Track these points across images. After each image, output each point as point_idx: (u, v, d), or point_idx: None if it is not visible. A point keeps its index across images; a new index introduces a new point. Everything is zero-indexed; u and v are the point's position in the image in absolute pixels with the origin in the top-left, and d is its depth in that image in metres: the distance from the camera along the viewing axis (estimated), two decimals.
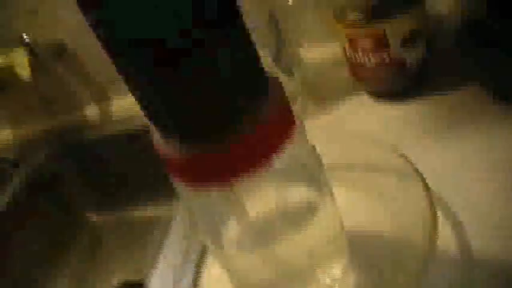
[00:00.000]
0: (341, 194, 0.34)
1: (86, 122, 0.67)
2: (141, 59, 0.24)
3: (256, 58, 0.27)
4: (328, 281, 0.34)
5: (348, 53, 0.50)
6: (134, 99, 0.27)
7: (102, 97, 0.65)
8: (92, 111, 0.67)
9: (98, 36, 0.25)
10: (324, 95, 0.54)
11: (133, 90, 0.26)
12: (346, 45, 0.49)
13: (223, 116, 0.26)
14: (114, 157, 0.65)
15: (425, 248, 0.32)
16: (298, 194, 0.32)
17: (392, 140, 0.45)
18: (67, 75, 0.64)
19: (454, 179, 0.40)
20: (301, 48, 0.56)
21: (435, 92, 0.49)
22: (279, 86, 0.29)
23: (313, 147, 0.32)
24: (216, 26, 0.24)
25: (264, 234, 0.33)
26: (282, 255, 0.33)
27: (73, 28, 0.59)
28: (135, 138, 0.63)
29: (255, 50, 0.27)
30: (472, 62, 0.49)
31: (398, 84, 0.50)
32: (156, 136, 0.29)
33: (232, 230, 0.32)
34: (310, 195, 0.32)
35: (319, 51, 0.58)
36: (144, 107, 0.27)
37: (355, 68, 0.51)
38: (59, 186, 0.67)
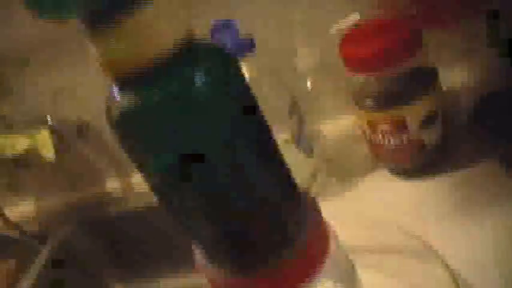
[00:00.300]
0: (365, 278, 0.35)
1: (108, 196, 0.68)
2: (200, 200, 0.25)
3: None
4: None
5: (367, 134, 0.51)
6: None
7: (123, 172, 0.67)
8: (114, 185, 0.68)
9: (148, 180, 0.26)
10: (344, 172, 0.55)
11: (185, 223, 0.28)
12: (365, 127, 0.51)
13: (268, 244, 0.28)
14: (137, 230, 0.66)
15: None
16: None
17: (414, 218, 0.46)
18: (89, 151, 0.66)
19: (474, 258, 0.41)
20: (321, 122, 0.58)
21: (454, 169, 0.50)
22: (316, 206, 0.30)
23: (347, 255, 0.33)
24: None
25: None
26: None
27: (95, 107, 0.61)
28: (157, 211, 0.64)
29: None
30: (489, 136, 0.50)
31: (417, 163, 0.51)
32: (199, 257, 0.30)
33: None
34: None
35: (338, 124, 0.59)
36: (192, 235, 0.29)
37: (375, 148, 0.52)
38: (83, 261, 0.68)
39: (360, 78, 0.49)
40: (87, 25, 0.23)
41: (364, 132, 0.52)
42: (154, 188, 0.27)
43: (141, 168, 0.26)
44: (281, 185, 0.28)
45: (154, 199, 0.26)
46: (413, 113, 0.47)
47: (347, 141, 0.58)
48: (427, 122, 0.48)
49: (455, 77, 0.54)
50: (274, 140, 0.28)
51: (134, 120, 0.24)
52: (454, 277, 0.38)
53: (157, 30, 0.23)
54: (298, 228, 0.29)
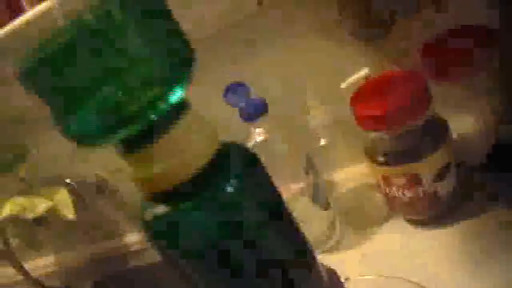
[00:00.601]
0: None
1: (127, 249, 0.69)
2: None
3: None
4: None
5: (381, 186, 0.52)
6: None
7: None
8: (132, 239, 0.69)
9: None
10: (360, 222, 0.56)
11: None
12: (380, 180, 0.52)
13: None
14: (156, 283, 0.67)
15: None
16: None
17: (430, 268, 0.47)
18: (108, 207, 0.67)
19: None
20: (335, 173, 0.59)
21: (468, 217, 0.51)
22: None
23: None
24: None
25: None
26: None
27: (111, 163, 0.63)
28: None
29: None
30: (501, 185, 0.51)
31: (432, 213, 0.52)
32: None
33: None
34: None
35: (351, 173, 0.61)
36: None
37: (390, 199, 0.53)
38: None
39: (372, 133, 0.50)
40: (121, 150, 0.25)
41: (378, 184, 0.53)
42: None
43: (179, 270, 0.27)
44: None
45: None
46: (427, 168, 0.48)
47: (361, 190, 0.59)
48: (441, 174, 0.49)
49: (463, 124, 0.55)
50: (302, 236, 0.29)
51: (172, 233, 0.25)
52: None
53: (188, 147, 0.25)
54: None
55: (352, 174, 0.60)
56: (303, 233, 0.30)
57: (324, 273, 0.31)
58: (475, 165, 0.54)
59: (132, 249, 0.69)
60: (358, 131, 0.51)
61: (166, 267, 0.62)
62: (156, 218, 0.25)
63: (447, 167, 0.49)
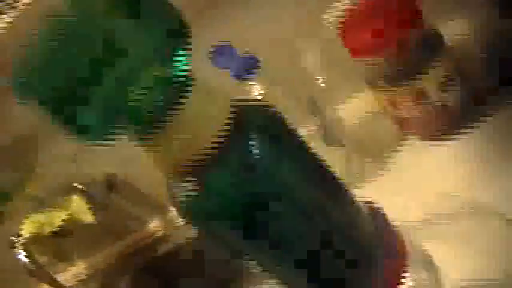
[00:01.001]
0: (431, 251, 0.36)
1: (152, 237, 0.69)
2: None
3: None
4: None
5: (389, 111, 0.52)
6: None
7: (160, 210, 0.68)
8: (155, 226, 0.69)
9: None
10: (375, 151, 0.56)
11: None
12: (386, 104, 0.51)
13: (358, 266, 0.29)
14: (188, 263, 0.67)
15: None
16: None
17: (457, 179, 0.47)
18: (123, 200, 0.66)
19: None
20: (339, 109, 0.58)
21: (483, 121, 0.50)
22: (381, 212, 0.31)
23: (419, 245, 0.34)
24: None
25: None
26: None
27: (116, 156, 0.62)
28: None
29: None
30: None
31: (446, 125, 0.51)
32: None
33: None
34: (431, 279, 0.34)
35: (354, 105, 0.60)
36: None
37: (400, 122, 0.53)
38: None
39: (368, 60, 0.49)
40: (137, 136, 0.24)
41: (385, 109, 0.52)
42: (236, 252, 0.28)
43: (224, 242, 0.27)
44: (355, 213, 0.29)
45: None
46: (430, 80, 0.48)
47: (369, 120, 0.58)
48: (446, 84, 0.48)
49: (457, 29, 0.54)
50: (334, 177, 0.29)
51: (208, 205, 0.24)
52: None
53: (203, 119, 0.24)
54: (379, 243, 0.30)
55: (357, 106, 0.59)
56: (333, 173, 0.30)
57: (366, 212, 0.31)
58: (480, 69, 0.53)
59: (157, 236, 0.69)
60: (355, 62, 0.50)
61: (204, 243, 0.61)
62: (189, 196, 0.24)
63: (451, 76, 0.49)
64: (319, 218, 0.27)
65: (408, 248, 0.32)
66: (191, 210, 0.25)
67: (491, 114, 0.50)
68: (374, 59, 0.48)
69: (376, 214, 0.31)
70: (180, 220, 0.69)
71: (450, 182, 0.47)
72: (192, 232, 0.67)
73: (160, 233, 0.69)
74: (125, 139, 0.24)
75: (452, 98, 0.49)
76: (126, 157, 0.60)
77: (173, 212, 0.69)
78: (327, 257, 0.27)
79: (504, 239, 0.40)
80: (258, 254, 0.27)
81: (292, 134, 0.27)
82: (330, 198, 0.28)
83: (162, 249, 0.68)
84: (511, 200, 0.42)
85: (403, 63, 0.47)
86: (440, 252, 0.35)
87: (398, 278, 0.30)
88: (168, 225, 0.68)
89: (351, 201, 0.30)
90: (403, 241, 0.32)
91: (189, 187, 0.24)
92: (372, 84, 0.50)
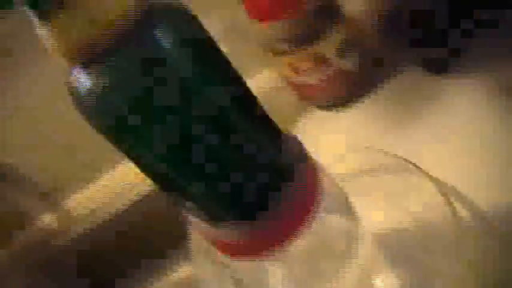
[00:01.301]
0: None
1: (45, 231, 0.63)
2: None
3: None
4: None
5: (288, 77, 0.52)
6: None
7: (53, 202, 0.63)
8: (50, 218, 0.64)
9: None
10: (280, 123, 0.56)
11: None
12: (287, 71, 0.52)
13: (261, 189, 0.28)
14: (83, 254, 0.63)
15: (452, 231, 0.35)
16: (336, 224, 0.34)
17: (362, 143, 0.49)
18: (13, 192, 0.61)
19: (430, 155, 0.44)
20: None
21: (382, 88, 0.53)
22: (300, 143, 0.31)
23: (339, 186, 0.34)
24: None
25: (311, 275, 0.34)
26: None
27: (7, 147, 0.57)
28: (104, 229, 0.62)
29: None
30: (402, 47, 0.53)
31: (345, 92, 0.53)
32: (198, 224, 0.30)
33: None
34: (347, 224, 0.34)
35: (258, 81, 0.60)
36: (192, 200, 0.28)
37: (301, 89, 0.54)
38: None
39: (270, 26, 0.50)
40: (34, 11, 0.21)
41: (286, 77, 0.53)
42: (136, 157, 0.26)
43: (122, 143, 0.25)
44: (260, 126, 0.28)
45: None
46: (329, 45, 0.49)
47: (271, 93, 0.58)
48: (344, 49, 0.50)
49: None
50: (245, 85, 0.28)
51: (104, 97, 0.22)
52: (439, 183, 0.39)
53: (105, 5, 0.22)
54: (288, 169, 0.29)
55: (261, 81, 0.60)
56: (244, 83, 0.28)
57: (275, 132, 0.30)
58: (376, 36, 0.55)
59: (51, 230, 0.63)
60: (257, 30, 0.50)
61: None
62: (81, 81, 0.22)
63: (349, 41, 0.51)
64: (222, 124, 0.26)
65: (324, 185, 0.31)
66: (93, 105, 0.23)
67: (395, 77, 0.53)
68: (273, 22, 0.49)
69: (289, 139, 0.30)
70: (76, 213, 0.65)
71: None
72: (90, 224, 0.63)
73: (55, 227, 0.64)
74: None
75: (350, 63, 0.51)
76: (17, 144, 0.56)
77: (70, 204, 0.64)
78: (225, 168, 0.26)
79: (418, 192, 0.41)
80: (157, 158, 0.25)
81: (208, 41, 0.26)
82: (236, 108, 0.27)
83: (58, 244, 0.63)
84: (419, 157, 0.44)
85: (301, 28, 0.49)
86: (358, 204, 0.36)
87: (307, 212, 0.29)
88: (63, 218, 0.64)
89: (258, 117, 0.29)
90: (317, 174, 0.31)
91: (90, 76, 0.22)
92: (273, 50, 0.51)
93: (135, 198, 0.56)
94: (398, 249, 0.38)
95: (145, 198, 0.56)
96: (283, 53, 0.50)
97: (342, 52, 0.50)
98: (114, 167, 0.59)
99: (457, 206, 0.39)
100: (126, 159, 0.25)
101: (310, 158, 0.31)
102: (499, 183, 0.40)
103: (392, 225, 0.40)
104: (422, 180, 0.38)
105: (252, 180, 0.27)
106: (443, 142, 0.45)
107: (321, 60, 0.50)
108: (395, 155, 0.41)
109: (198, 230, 0.30)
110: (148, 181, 0.27)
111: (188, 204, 0.27)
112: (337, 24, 0.49)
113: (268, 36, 0.50)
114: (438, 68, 0.49)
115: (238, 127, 0.26)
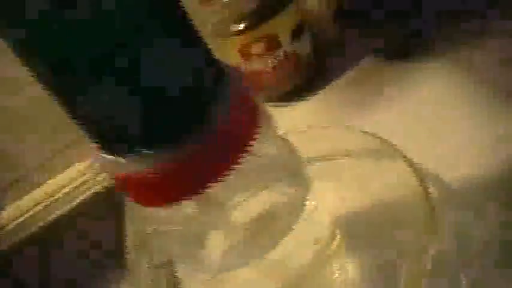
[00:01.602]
0: (320, 187, 0.32)
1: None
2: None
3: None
4: (335, 274, 0.31)
5: (241, 64, 0.49)
6: None
7: None
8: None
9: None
10: None
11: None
12: (237, 56, 0.48)
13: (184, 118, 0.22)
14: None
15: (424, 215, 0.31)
16: (280, 192, 0.29)
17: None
18: None
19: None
20: None
21: (336, 77, 0.50)
22: (239, 77, 0.26)
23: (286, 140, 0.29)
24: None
25: (254, 242, 0.28)
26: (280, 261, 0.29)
27: None
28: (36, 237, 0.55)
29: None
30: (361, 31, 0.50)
31: (299, 79, 0.49)
32: (105, 160, 0.24)
33: (216, 247, 0.28)
34: (293, 192, 0.29)
35: None
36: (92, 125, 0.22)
37: (253, 77, 0.50)
38: None
39: (221, 5, 0.46)
40: None
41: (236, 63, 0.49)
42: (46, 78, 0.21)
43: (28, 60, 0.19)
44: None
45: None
46: (283, 26, 0.46)
47: None
48: (297, 33, 0.47)
49: None
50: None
51: None
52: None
53: None
54: (218, 100, 0.24)
55: None
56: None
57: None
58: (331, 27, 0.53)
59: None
60: (206, 11, 0.47)
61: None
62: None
63: (302, 26, 0.48)
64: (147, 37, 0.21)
65: (263, 119, 0.26)
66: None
67: (349, 68, 0.49)
68: (226, 2, 0.46)
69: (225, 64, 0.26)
70: (15, 213, 0.58)
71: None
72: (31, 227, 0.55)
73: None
74: None
75: (303, 49, 0.48)
76: None
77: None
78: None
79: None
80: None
81: None
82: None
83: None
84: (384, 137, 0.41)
85: (255, 7, 0.45)
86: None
87: (240, 146, 0.24)
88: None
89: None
90: (255, 108, 0.26)
91: None
92: (224, 33, 0.47)
93: None
94: (362, 231, 0.34)
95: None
96: (235, 33, 0.46)
97: (296, 34, 0.46)
98: None
99: (430, 187, 0.36)
100: None
101: (252, 94, 0.26)
102: (466, 162, 0.36)
103: (356, 208, 0.36)
104: (395, 160, 0.34)
105: (169, 91, 0.22)
106: (407, 127, 0.41)
107: (273, 43, 0.46)
108: (366, 132, 0.37)
109: (109, 171, 0.24)
110: None
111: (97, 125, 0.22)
112: (291, 6, 0.46)
113: (222, 18, 0.47)
114: (399, 52, 0.46)
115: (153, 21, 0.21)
